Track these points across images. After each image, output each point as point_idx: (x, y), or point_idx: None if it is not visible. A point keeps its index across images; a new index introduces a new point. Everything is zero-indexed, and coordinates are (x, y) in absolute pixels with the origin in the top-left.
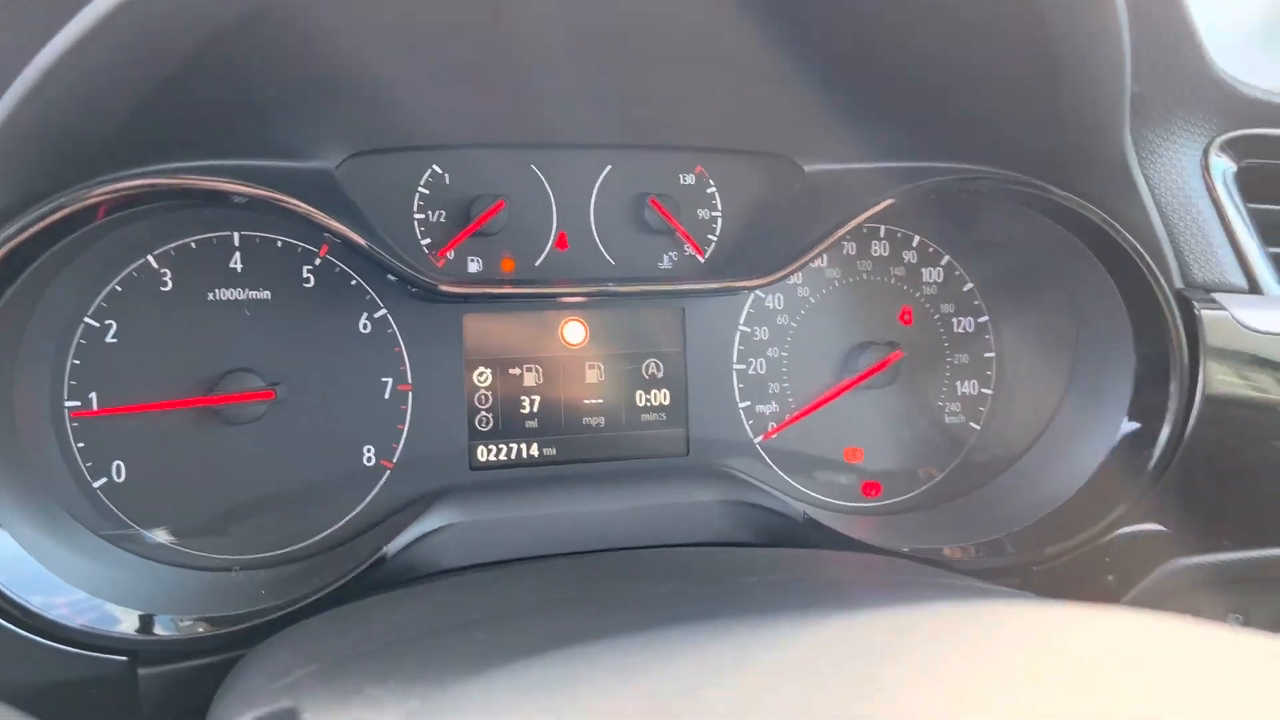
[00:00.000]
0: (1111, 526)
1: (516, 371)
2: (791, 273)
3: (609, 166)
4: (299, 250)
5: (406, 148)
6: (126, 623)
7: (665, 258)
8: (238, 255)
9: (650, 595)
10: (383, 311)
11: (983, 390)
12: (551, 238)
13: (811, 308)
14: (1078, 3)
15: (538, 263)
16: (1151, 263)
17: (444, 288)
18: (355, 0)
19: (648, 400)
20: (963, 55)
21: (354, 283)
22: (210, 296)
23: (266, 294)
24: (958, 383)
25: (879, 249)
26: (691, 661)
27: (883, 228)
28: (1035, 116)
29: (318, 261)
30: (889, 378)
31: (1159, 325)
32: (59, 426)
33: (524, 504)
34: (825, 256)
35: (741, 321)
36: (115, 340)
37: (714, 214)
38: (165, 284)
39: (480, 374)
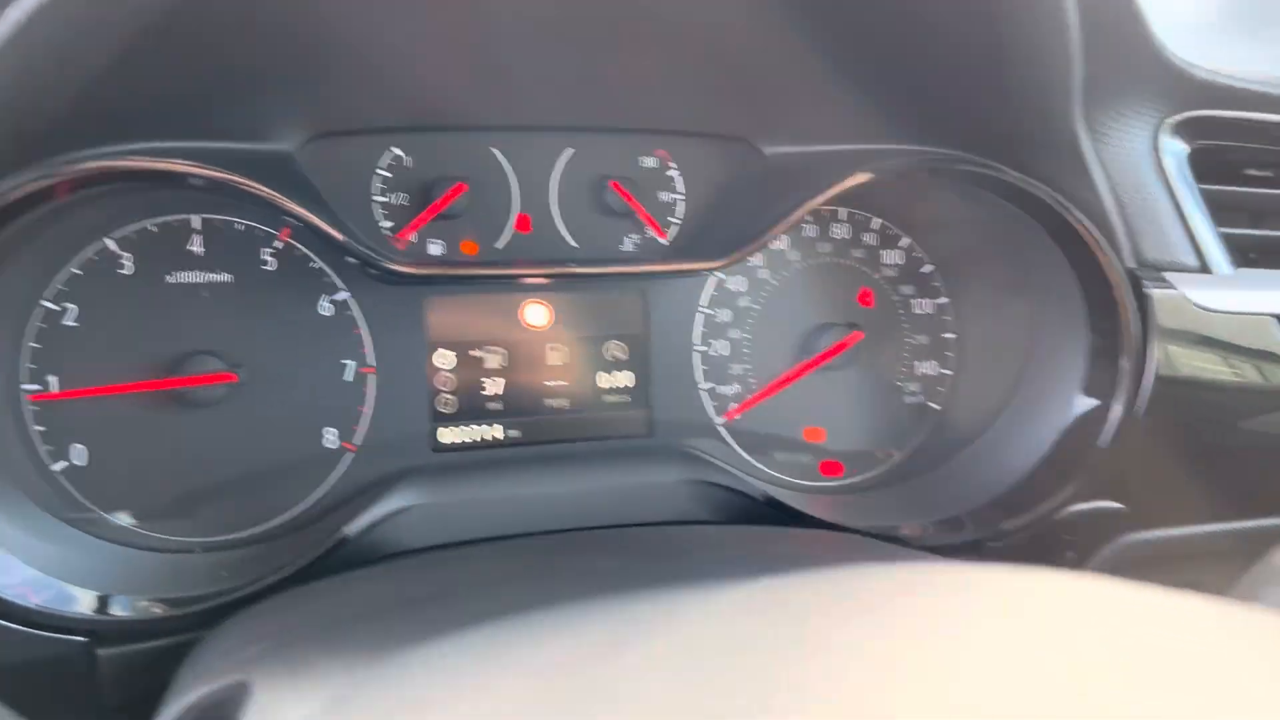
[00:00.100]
0: (1066, 502)
1: (479, 354)
2: (747, 255)
3: (570, 149)
4: (260, 233)
5: (367, 130)
6: (83, 602)
7: (627, 240)
8: (198, 239)
9: (598, 569)
10: (344, 294)
11: (942, 371)
12: (512, 220)
13: (773, 290)
14: None
15: (499, 245)
16: (1103, 242)
17: (404, 269)
18: None
19: (610, 382)
20: (913, 37)
21: (315, 266)
22: (171, 280)
23: (227, 277)
24: (917, 363)
25: (840, 231)
26: (620, 626)
27: (843, 210)
28: (986, 98)
29: (279, 245)
30: (849, 359)
31: (1111, 304)
32: (15, 410)
33: (486, 485)
34: (786, 239)
35: (704, 303)
36: (75, 324)
37: (676, 197)
38: (126, 268)
39: (442, 356)
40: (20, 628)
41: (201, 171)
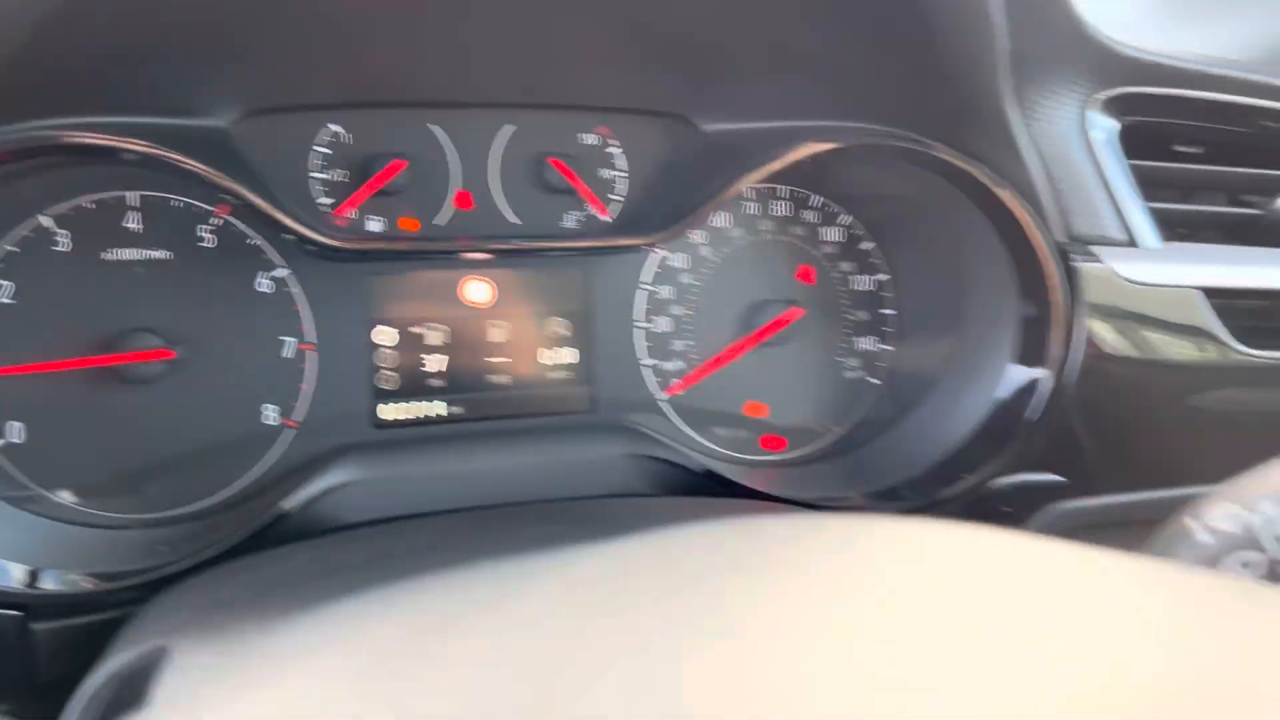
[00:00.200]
0: (1000, 472)
1: (420, 331)
2: (682, 230)
3: (510, 126)
4: (197, 210)
5: (304, 106)
6: (14, 575)
7: (569, 217)
8: (136, 216)
9: (519, 537)
10: (283, 271)
11: (881, 346)
12: (451, 197)
13: (715, 266)
14: None
15: (440, 222)
16: (1032, 217)
17: (341, 245)
18: None
19: (553, 358)
20: (842, 14)
21: (253, 243)
22: (108, 257)
23: (165, 254)
24: (857, 339)
25: (780, 209)
26: (499, 583)
27: (783, 188)
28: (916, 76)
29: (216, 221)
30: (790, 335)
31: (1040, 277)
32: None
33: (428, 461)
34: (728, 216)
35: (646, 280)
36: (11, 301)
37: (617, 174)
38: (62, 245)
39: (383, 333)
40: None
41: (134, 146)
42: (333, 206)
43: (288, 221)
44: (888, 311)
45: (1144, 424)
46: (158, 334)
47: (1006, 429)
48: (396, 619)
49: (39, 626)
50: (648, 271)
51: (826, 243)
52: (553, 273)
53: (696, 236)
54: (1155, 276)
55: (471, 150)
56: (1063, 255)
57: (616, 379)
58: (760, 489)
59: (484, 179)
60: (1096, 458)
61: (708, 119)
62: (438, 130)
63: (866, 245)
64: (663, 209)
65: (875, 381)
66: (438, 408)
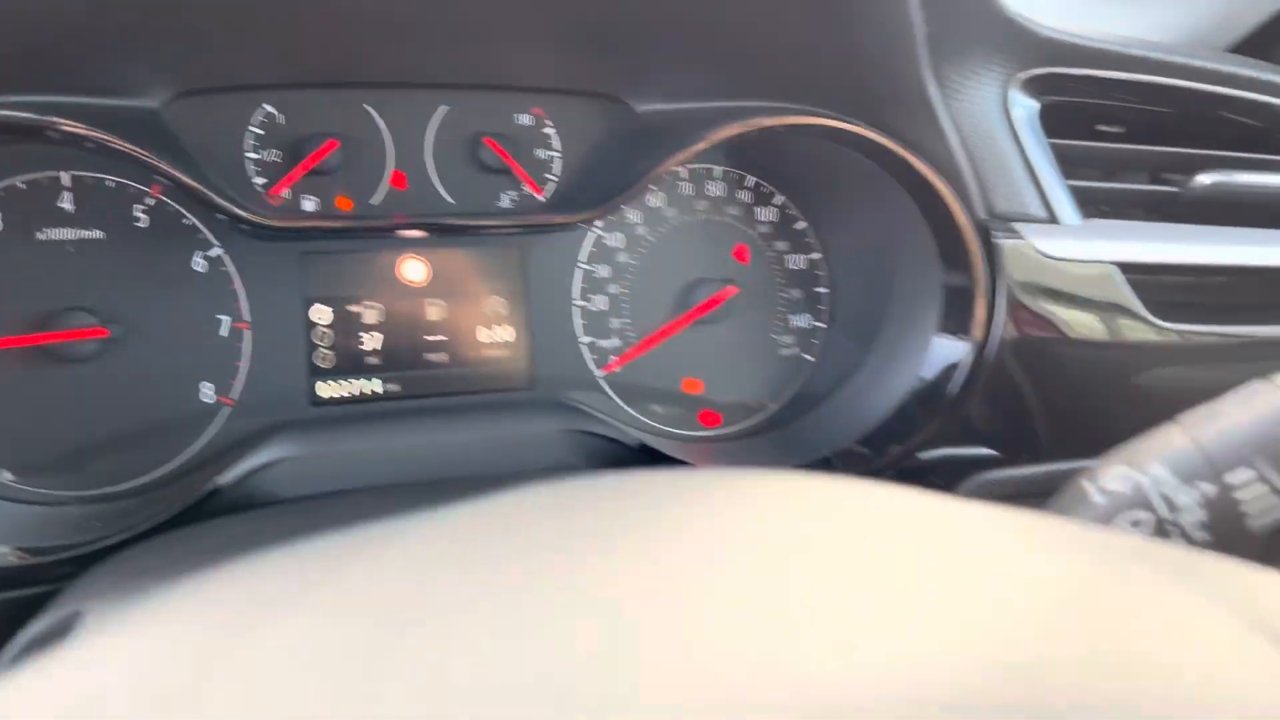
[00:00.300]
0: (925, 444)
1: (356, 309)
2: (610, 210)
3: (445, 106)
4: (131, 190)
5: (236, 87)
6: None
7: (504, 197)
8: (69, 196)
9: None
10: (218, 250)
11: (815, 324)
12: (387, 176)
13: (651, 246)
14: None
15: (375, 202)
16: (954, 194)
17: (275, 224)
18: None
19: (491, 337)
20: None
21: (188, 222)
22: (41, 237)
23: (99, 234)
24: (791, 317)
25: (715, 189)
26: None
27: (718, 168)
28: (837, 55)
29: (150, 201)
30: (725, 313)
31: (962, 254)
32: None
33: (365, 437)
34: (663, 196)
35: (583, 259)
36: None
37: (552, 154)
38: None
39: (319, 311)
40: None
41: (62, 125)
42: (267, 187)
43: (220, 201)
44: (822, 290)
45: (1065, 396)
46: (92, 313)
47: (931, 401)
48: (254, 586)
49: None
50: (584, 251)
51: (761, 222)
52: (489, 252)
53: (632, 216)
54: (1074, 252)
55: (406, 130)
56: (984, 232)
57: (554, 357)
58: (696, 463)
59: (419, 159)
60: (1020, 429)
61: (641, 100)
62: (372, 111)
63: (800, 225)
64: (597, 188)
65: (810, 358)
66: (375, 385)
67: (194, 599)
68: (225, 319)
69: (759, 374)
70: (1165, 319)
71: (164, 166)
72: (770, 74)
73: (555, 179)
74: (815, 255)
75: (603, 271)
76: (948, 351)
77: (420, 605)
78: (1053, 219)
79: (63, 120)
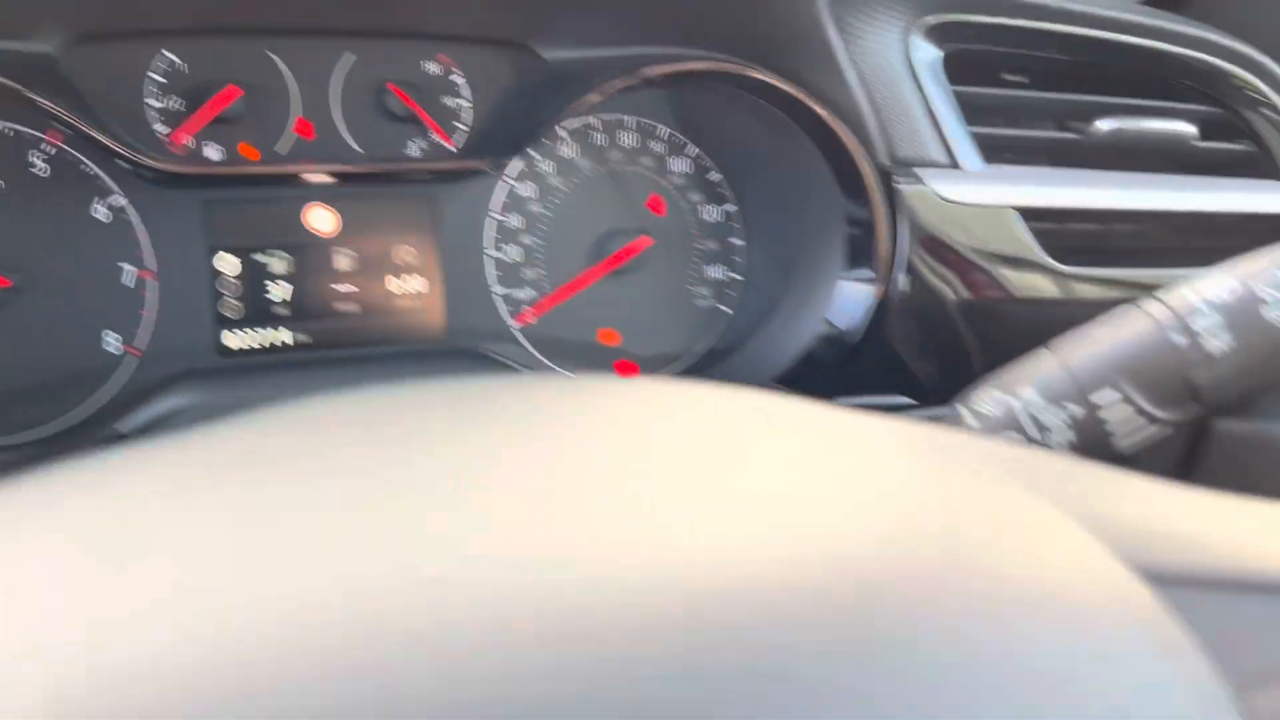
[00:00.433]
0: (837, 391)
1: (264, 259)
2: (518, 152)
3: (351, 54)
4: (28, 138)
5: (135, 32)
6: None
7: (413, 145)
8: None
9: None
10: (120, 199)
11: (731, 275)
12: (291, 124)
13: (564, 196)
14: None
15: (281, 150)
16: (856, 140)
17: (177, 169)
18: None
19: (402, 287)
20: None
21: (88, 170)
22: None
23: None
24: (707, 268)
25: (628, 140)
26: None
27: (630, 118)
28: (735, 1)
29: (49, 149)
30: (640, 264)
31: (864, 199)
32: None
33: (273, 387)
34: (577, 147)
35: (494, 209)
36: None
37: (461, 103)
38: None
39: (225, 261)
40: None
41: None
42: (169, 134)
43: (120, 148)
44: (736, 241)
45: (967, 338)
46: None
47: (837, 345)
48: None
49: None
50: (496, 201)
51: (675, 174)
52: (399, 202)
53: (545, 166)
54: (974, 197)
55: (312, 78)
56: (885, 177)
57: (468, 307)
58: None
59: (325, 107)
60: (925, 373)
61: (549, 47)
62: (276, 58)
63: (715, 176)
64: (506, 136)
65: (725, 309)
66: (284, 336)
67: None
68: (128, 268)
69: (675, 325)
70: (1064, 262)
71: (62, 113)
72: (674, 20)
73: (465, 127)
74: (730, 207)
75: (515, 222)
76: (852, 295)
77: (260, 505)
78: (954, 164)
79: None
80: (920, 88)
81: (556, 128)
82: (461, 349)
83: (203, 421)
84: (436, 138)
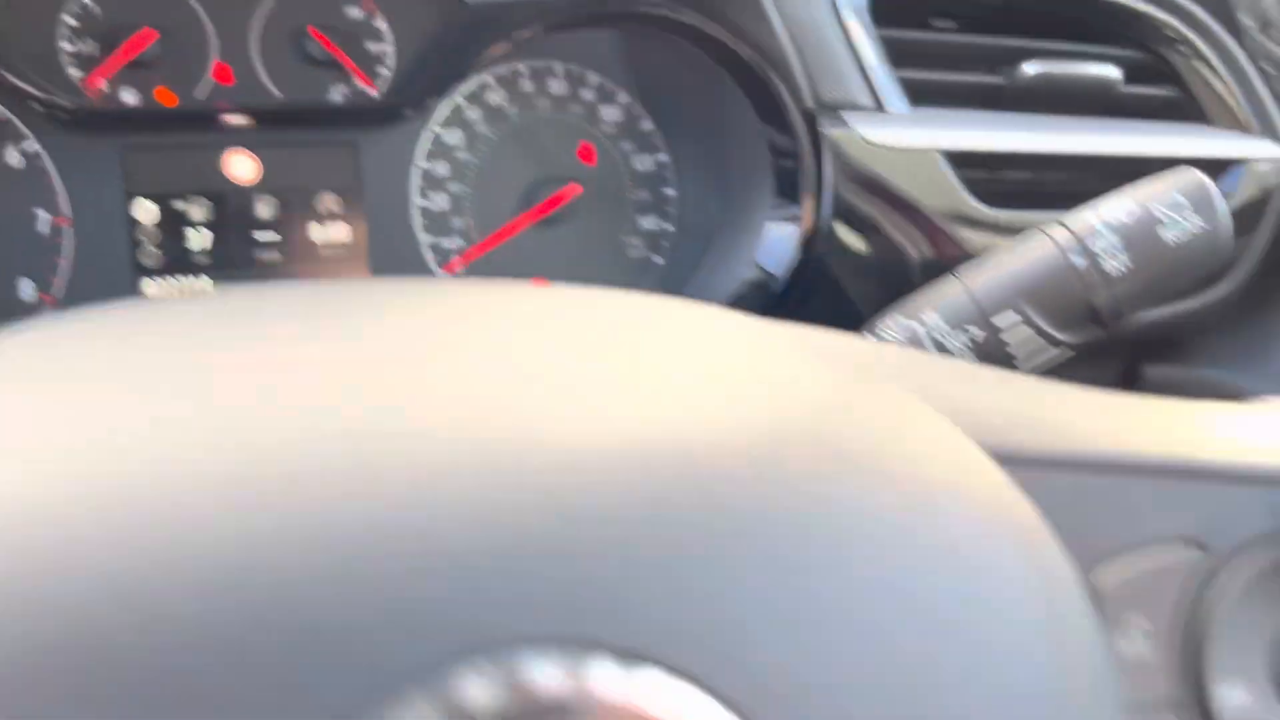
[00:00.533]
0: None
1: (182, 205)
2: (433, 96)
3: None
4: None
5: None
6: None
7: (334, 91)
8: None
9: None
10: (33, 143)
11: (663, 226)
12: (209, 68)
13: (492, 144)
14: None
15: (199, 95)
16: (780, 83)
17: (92, 110)
18: None
19: (325, 236)
20: None
21: (0, 115)
22: None
23: None
24: (639, 218)
25: (557, 87)
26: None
27: (559, 65)
28: None
29: None
30: (571, 213)
31: (790, 142)
32: None
33: None
34: (504, 94)
35: (419, 158)
36: None
37: (383, 47)
38: None
39: (142, 208)
40: None
41: None
42: (83, 79)
43: (33, 90)
44: (669, 191)
45: (894, 280)
46: None
47: (765, 289)
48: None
49: None
50: (421, 148)
51: (606, 122)
52: (321, 149)
53: (472, 114)
54: (900, 140)
55: (229, 22)
56: (810, 120)
57: (393, 256)
58: None
59: (244, 52)
60: (857, 315)
61: None
62: (193, 1)
63: (646, 125)
64: (428, 79)
65: (659, 260)
66: (204, 284)
67: None
68: (43, 214)
69: (607, 276)
70: (989, 204)
71: None
72: None
73: (388, 72)
74: (663, 157)
75: (441, 170)
76: (778, 239)
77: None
78: (880, 108)
79: None
80: (845, 30)
81: (484, 74)
82: None
83: None
84: (358, 82)
